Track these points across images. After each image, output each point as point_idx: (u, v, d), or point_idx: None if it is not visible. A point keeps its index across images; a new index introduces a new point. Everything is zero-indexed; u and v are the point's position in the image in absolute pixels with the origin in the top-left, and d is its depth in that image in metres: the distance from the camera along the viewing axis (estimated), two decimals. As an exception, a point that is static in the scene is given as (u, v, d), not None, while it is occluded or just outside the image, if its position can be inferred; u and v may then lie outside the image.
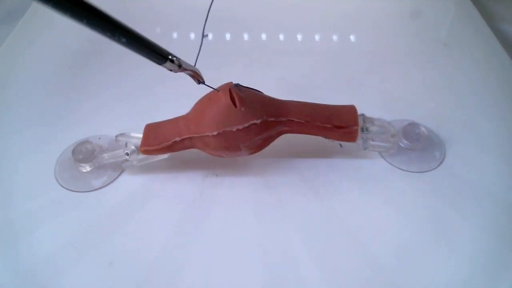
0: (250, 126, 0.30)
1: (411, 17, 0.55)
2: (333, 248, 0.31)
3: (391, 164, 0.37)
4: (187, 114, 0.33)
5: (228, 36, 0.52)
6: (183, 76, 0.29)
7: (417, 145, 0.37)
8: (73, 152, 0.35)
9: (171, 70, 0.26)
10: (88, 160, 0.35)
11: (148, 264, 0.30)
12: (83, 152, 0.35)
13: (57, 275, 0.30)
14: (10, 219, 0.33)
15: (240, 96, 0.29)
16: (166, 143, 0.32)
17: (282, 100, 0.33)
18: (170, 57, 0.25)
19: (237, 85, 0.30)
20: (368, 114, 0.36)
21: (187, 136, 0.32)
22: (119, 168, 0.36)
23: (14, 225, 0.33)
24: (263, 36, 0.52)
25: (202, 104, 0.31)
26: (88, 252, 0.31)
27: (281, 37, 0.52)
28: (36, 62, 0.48)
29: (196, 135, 0.31)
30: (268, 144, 0.33)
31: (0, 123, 0.41)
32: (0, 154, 0.38)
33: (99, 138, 0.38)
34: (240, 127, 0.30)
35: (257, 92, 0.32)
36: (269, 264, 0.30)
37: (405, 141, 0.37)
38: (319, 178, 0.36)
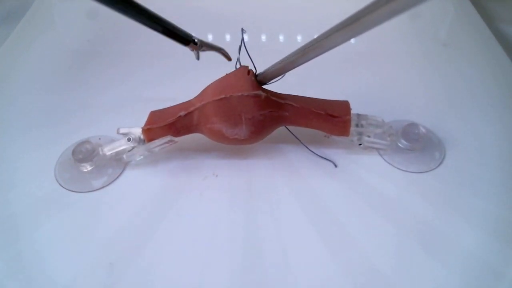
0: (255, 96, 0.32)
1: (411, 18, 0.55)
2: (331, 248, 0.31)
3: (391, 164, 0.37)
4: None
5: (228, 36, 0.52)
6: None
7: (416, 145, 0.37)
8: (73, 152, 0.35)
9: (194, 50, 0.33)
10: (89, 160, 0.35)
11: (149, 264, 0.30)
12: (83, 152, 0.35)
13: (57, 276, 0.30)
14: (10, 220, 0.33)
15: (254, 72, 0.33)
16: (171, 118, 0.33)
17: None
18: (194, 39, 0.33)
19: None
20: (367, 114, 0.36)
21: (192, 109, 0.33)
22: (119, 167, 0.36)
23: (14, 226, 0.33)
24: (263, 36, 0.52)
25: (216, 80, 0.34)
26: (88, 253, 0.31)
27: (281, 37, 0.52)
28: (36, 62, 0.48)
29: (201, 104, 0.33)
30: (268, 131, 0.34)
31: (0, 124, 0.41)
32: (0, 155, 0.38)
33: (99, 138, 0.38)
34: (245, 93, 0.32)
35: None
36: (268, 264, 0.31)
37: (405, 141, 0.37)
38: (320, 177, 0.36)
